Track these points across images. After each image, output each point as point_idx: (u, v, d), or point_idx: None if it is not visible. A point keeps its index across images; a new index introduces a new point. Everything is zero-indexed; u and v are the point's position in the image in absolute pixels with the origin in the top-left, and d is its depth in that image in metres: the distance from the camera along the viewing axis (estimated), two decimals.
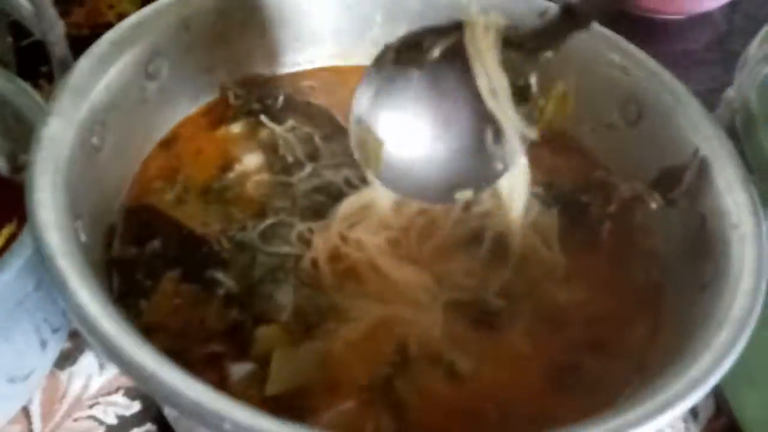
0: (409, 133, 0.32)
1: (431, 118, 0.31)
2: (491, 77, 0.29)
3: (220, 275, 0.35)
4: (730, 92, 0.35)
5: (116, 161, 0.38)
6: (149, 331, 0.33)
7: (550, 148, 0.44)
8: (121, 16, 0.41)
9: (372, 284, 0.36)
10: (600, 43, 0.43)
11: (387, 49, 0.30)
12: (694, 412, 0.45)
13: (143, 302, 0.34)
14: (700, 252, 0.35)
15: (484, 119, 0.30)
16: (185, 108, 0.43)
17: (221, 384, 0.31)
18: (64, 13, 0.56)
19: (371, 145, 0.32)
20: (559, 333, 0.36)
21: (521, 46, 0.29)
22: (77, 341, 0.43)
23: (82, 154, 0.34)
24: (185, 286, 0.35)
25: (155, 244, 0.36)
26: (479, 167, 0.32)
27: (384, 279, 0.36)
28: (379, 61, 0.31)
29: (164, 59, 0.40)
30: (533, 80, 0.30)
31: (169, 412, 0.38)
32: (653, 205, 0.38)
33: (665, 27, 0.71)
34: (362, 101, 0.31)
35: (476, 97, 0.30)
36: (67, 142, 0.33)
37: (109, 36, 0.38)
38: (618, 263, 0.39)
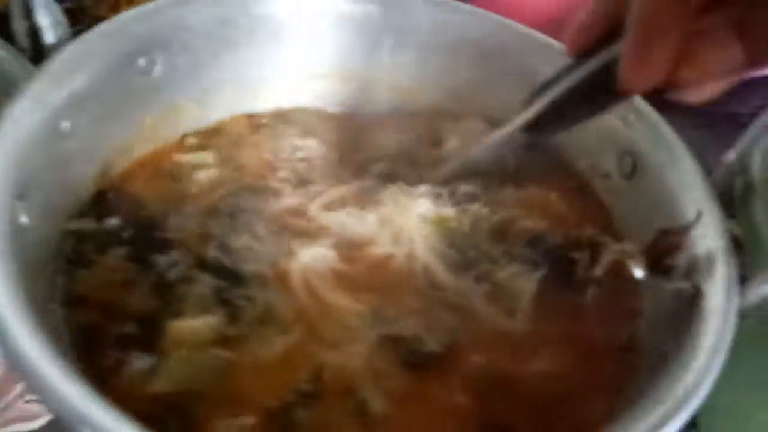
0: None
1: None
2: None
3: (160, 260, 0.35)
4: (731, 155, 0.30)
5: (90, 146, 0.37)
6: (78, 302, 0.33)
7: (563, 192, 0.41)
8: None
9: (300, 300, 0.34)
10: None
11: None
12: None
13: (82, 271, 0.34)
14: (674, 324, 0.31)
15: None
16: (181, 105, 0.42)
17: (117, 369, 0.30)
18: (91, 5, 0.55)
19: None
20: (501, 396, 0.32)
21: None
22: None
23: (48, 136, 0.33)
24: (126, 264, 0.35)
25: (113, 221, 0.37)
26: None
27: (314, 298, 0.34)
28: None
29: (158, 56, 0.40)
30: None
31: None
32: (637, 273, 0.34)
33: None
34: None
35: None
36: (31, 123, 0.33)
37: (102, 26, 0.38)
38: (597, 336, 0.35)
